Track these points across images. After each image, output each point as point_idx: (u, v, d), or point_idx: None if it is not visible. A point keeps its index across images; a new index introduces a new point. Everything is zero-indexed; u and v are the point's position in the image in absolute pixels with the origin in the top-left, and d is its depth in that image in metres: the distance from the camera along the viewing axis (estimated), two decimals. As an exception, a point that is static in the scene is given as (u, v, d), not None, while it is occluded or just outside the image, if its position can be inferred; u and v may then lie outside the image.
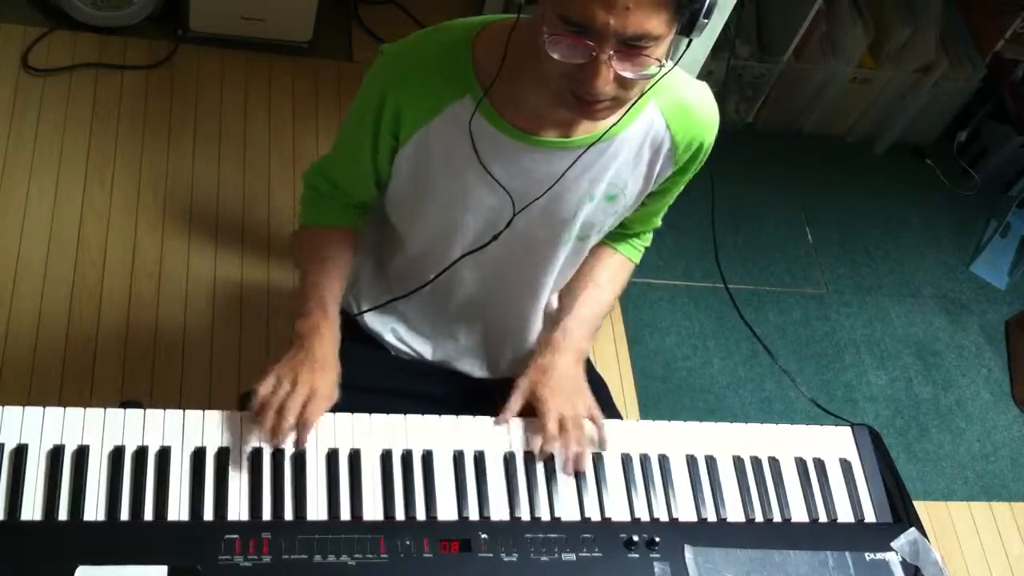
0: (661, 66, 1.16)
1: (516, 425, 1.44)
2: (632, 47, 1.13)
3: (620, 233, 1.61)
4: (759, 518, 1.44)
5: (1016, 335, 3.06)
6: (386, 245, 1.60)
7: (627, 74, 1.15)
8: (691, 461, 1.46)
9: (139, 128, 2.69)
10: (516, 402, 1.46)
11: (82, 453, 1.27)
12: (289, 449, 1.34)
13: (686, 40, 1.17)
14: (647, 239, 1.64)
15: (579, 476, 1.40)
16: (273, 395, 1.35)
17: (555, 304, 1.64)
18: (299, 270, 1.52)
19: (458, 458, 1.38)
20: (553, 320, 1.57)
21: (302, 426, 1.34)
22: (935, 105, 3.31)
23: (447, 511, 1.34)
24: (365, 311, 1.63)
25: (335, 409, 1.39)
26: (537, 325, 1.62)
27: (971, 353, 3.03)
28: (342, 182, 1.50)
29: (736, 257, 2.99)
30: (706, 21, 1.14)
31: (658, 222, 1.62)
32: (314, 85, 2.92)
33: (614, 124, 1.32)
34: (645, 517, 1.39)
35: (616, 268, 1.61)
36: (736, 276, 2.94)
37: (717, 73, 2.73)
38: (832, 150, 3.38)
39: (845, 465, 1.52)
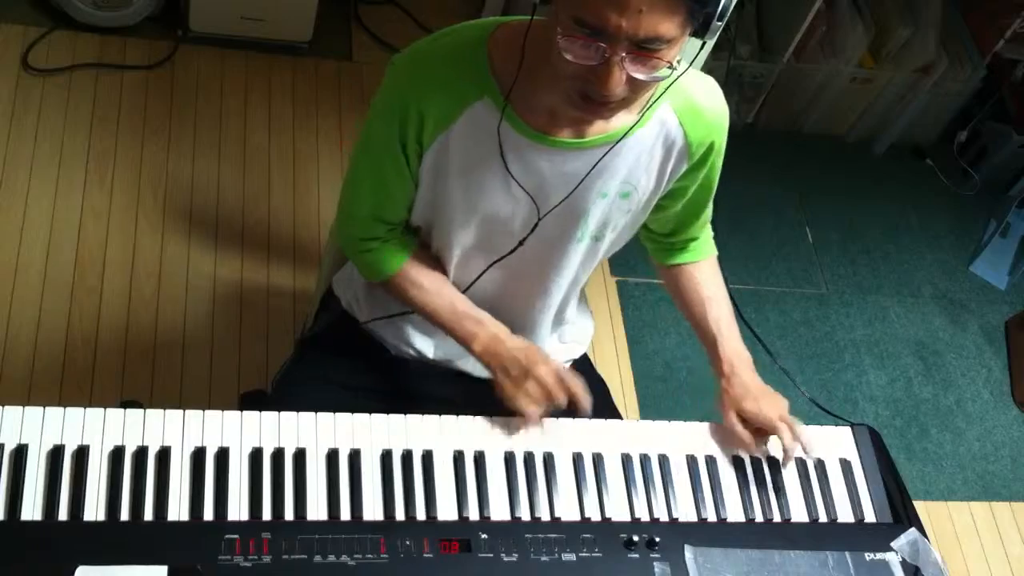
0: (672, 68, 1.16)
1: (516, 426, 1.44)
2: (644, 50, 1.13)
3: (684, 243, 1.62)
4: (759, 518, 1.44)
5: (1016, 335, 3.06)
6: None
7: (639, 76, 1.15)
8: (691, 461, 1.46)
9: (139, 128, 2.69)
10: (742, 430, 1.49)
11: (82, 453, 1.27)
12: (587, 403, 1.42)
13: (699, 42, 1.17)
14: (709, 230, 1.66)
15: (579, 476, 1.40)
16: (537, 405, 1.41)
17: (568, 307, 1.65)
18: (424, 313, 1.53)
19: (458, 458, 1.38)
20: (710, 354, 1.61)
21: (581, 394, 1.41)
22: (935, 105, 3.31)
23: (447, 511, 1.34)
24: (377, 319, 1.63)
25: (339, 409, 1.40)
26: (545, 325, 1.62)
27: (971, 353, 3.03)
28: (391, 212, 1.47)
29: (736, 257, 2.99)
30: (720, 24, 1.14)
31: (709, 218, 1.63)
32: (314, 85, 2.92)
33: (631, 127, 1.32)
34: (645, 517, 1.39)
35: (709, 273, 1.64)
36: (736, 276, 2.94)
37: (717, 73, 2.73)
38: (832, 150, 3.39)
39: (845, 465, 1.52)
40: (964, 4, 3.29)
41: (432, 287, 1.51)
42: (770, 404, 1.51)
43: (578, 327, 1.75)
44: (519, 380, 1.42)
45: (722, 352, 1.57)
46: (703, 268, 1.64)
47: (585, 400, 1.42)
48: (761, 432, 1.50)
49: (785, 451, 1.48)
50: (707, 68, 2.27)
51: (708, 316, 1.60)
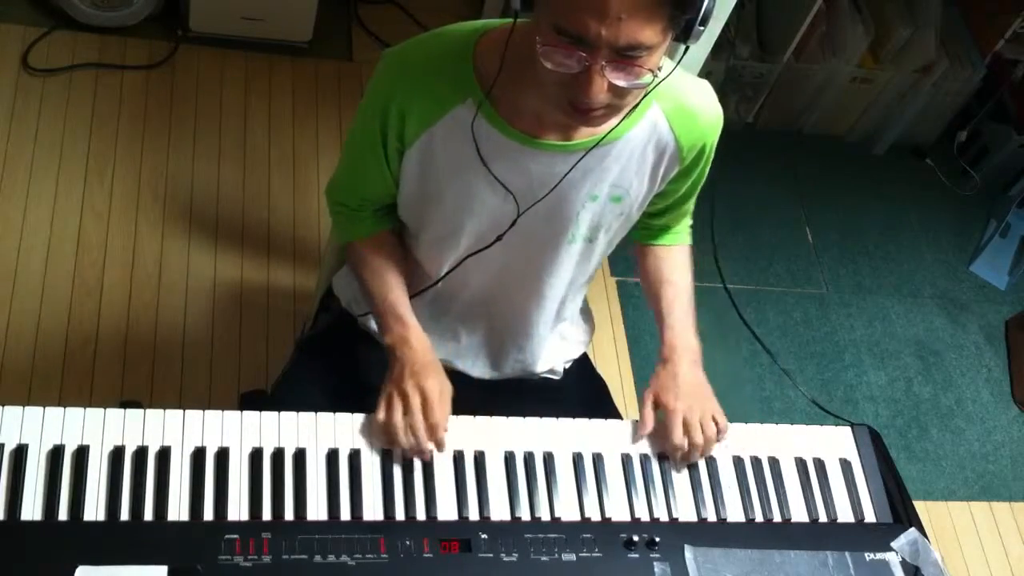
0: (655, 75, 1.16)
1: (514, 425, 1.44)
2: (625, 57, 1.13)
3: (661, 229, 1.62)
4: (759, 518, 1.44)
5: (1016, 335, 3.06)
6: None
7: (621, 83, 1.15)
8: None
9: (139, 128, 2.69)
10: (648, 414, 1.48)
11: (82, 453, 1.27)
12: (436, 455, 1.38)
13: (683, 45, 1.17)
14: (689, 220, 1.65)
15: (579, 476, 1.40)
16: (392, 419, 1.37)
17: (567, 308, 1.64)
18: (362, 288, 1.54)
19: (458, 458, 1.38)
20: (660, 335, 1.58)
21: (431, 432, 1.37)
22: (935, 105, 3.31)
23: (447, 511, 1.34)
24: (367, 313, 1.63)
25: (339, 409, 1.40)
26: (541, 327, 1.62)
27: (971, 353, 3.03)
28: (365, 192, 1.50)
29: (736, 257, 2.99)
30: (702, 28, 1.14)
31: (690, 209, 1.63)
32: (314, 85, 2.92)
33: (615, 128, 1.32)
34: (645, 517, 1.40)
35: (678, 258, 1.64)
36: (736, 276, 2.94)
37: (717, 73, 2.74)
38: (832, 150, 3.38)
39: (845, 465, 1.52)
40: (964, 4, 3.29)
41: (377, 269, 1.51)
42: (690, 404, 1.47)
43: (578, 327, 1.75)
44: (394, 393, 1.39)
45: (665, 337, 1.55)
46: (672, 252, 1.64)
47: (422, 456, 1.37)
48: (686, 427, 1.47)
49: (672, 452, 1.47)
50: (707, 68, 2.27)
51: (663, 299, 1.59)
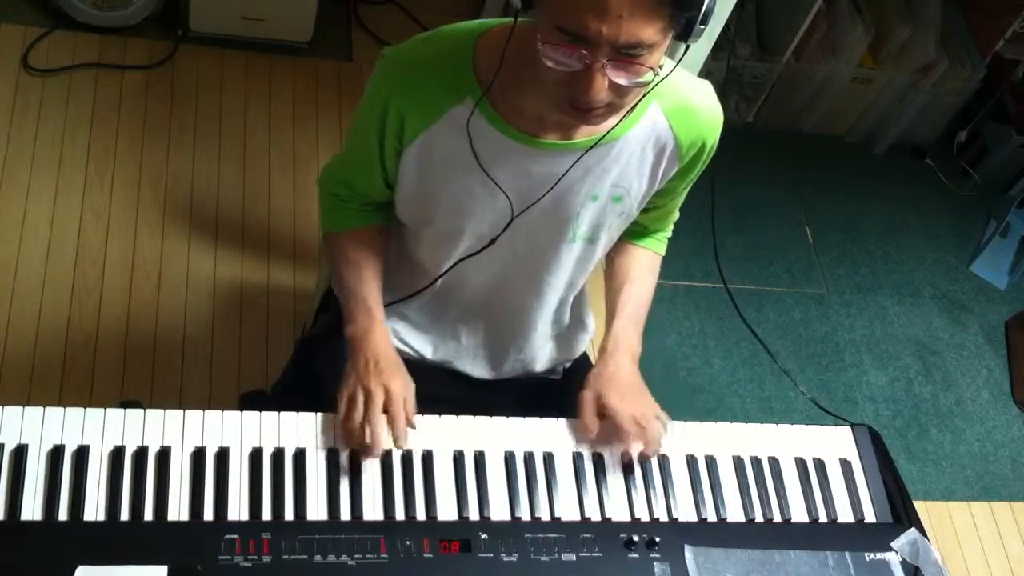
0: (656, 73, 1.16)
1: (514, 425, 1.44)
2: (626, 56, 1.13)
3: (641, 231, 1.61)
4: (759, 518, 1.44)
5: (1016, 335, 3.06)
6: (392, 246, 1.60)
7: (621, 81, 1.16)
8: (691, 461, 1.46)
9: (139, 128, 2.69)
10: (590, 417, 1.45)
11: (82, 453, 1.27)
12: (396, 452, 1.37)
13: (684, 44, 1.17)
14: (668, 231, 1.65)
15: (579, 476, 1.40)
16: (352, 413, 1.36)
17: (567, 308, 1.64)
18: (335, 277, 1.54)
19: (458, 458, 1.39)
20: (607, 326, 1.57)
21: (393, 425, 1.36)
22: (935, 105, 3.31)
23: (447, 511, 1.34)
24: None
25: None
26: (541, 327, 1.62)
27: (971, 353, 3.03)
28: (356, 185, 1.51)
29: (736, 257, 2.99)
30: (703, 27, 1.14)
31: (676, 216, 1.62)
32: (314, 85, 2.92)
33: (615, 126, 1.32)
34: (645, 517, 1.39)
35: (646, 262, 1.62)
36: (736, 276, 2.94)
37: (717, 73, 2.73)
38: (832, 150, 3.39)
39: (845, 465, 1.52)
40: (964, 4, 3.29)
41: (355, 262, 1.51)
42: (634, 403, 1.46)
43: (578, 328, 1.75)
44: (356, 387, 1.39)
45: (612, 330, 1.54)
46: (644, 255, 1.63)
47: (371, 452, 1.35)
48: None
49: (629, 453, 1.44)
50: (707, 68, 2.27)
51: (622, 294, 1.57)
